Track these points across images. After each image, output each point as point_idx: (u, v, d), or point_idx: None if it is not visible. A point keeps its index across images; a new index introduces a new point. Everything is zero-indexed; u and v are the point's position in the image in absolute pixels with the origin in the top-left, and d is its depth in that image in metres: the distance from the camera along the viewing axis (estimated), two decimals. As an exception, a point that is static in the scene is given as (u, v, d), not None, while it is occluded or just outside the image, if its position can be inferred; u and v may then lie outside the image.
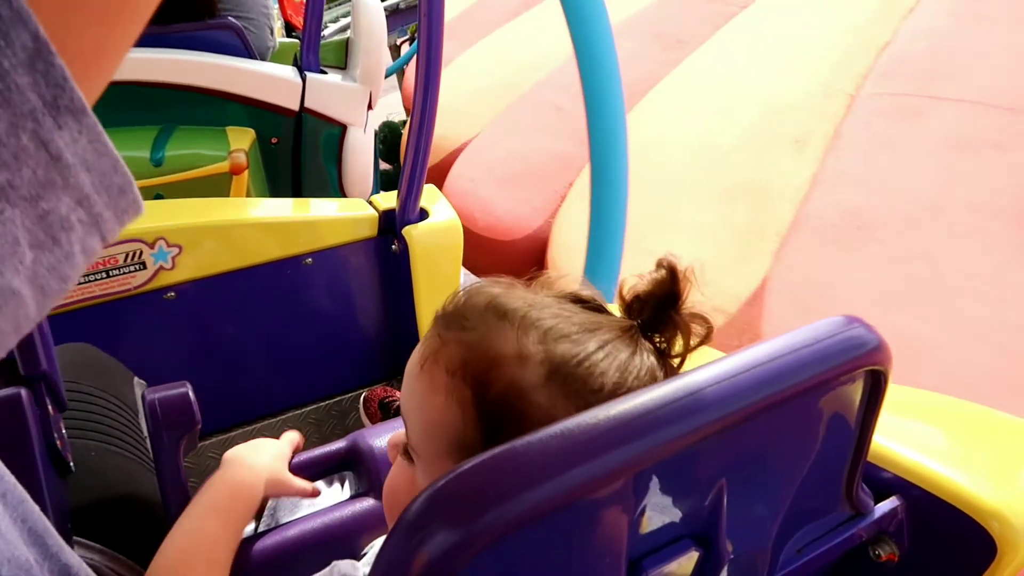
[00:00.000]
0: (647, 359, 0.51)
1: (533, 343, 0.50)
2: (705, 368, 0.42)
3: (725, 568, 0.50)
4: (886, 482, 0.68)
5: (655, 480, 0.42)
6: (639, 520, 0.43)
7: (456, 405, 0.50)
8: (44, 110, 0.21)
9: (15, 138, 0.20)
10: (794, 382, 0.43)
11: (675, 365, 0.54)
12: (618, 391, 0.48)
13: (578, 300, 0.55)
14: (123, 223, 0.24)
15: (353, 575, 0.60)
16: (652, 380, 0.51)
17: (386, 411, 1.66)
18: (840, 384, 0.48)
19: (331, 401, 1.75)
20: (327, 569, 0.61)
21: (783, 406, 0.44)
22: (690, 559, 0.47)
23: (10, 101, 0.20)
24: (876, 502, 0.65)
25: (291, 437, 0.81)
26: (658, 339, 0.53)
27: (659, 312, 0.52)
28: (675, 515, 0.46)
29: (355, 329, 1.71)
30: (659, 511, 0.44)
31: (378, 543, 0.62)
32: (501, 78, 3.31)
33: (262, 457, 0.74)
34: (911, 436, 0.71)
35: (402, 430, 0.57)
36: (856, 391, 0.50)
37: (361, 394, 1.80)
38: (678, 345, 0.54)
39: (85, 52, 0.23)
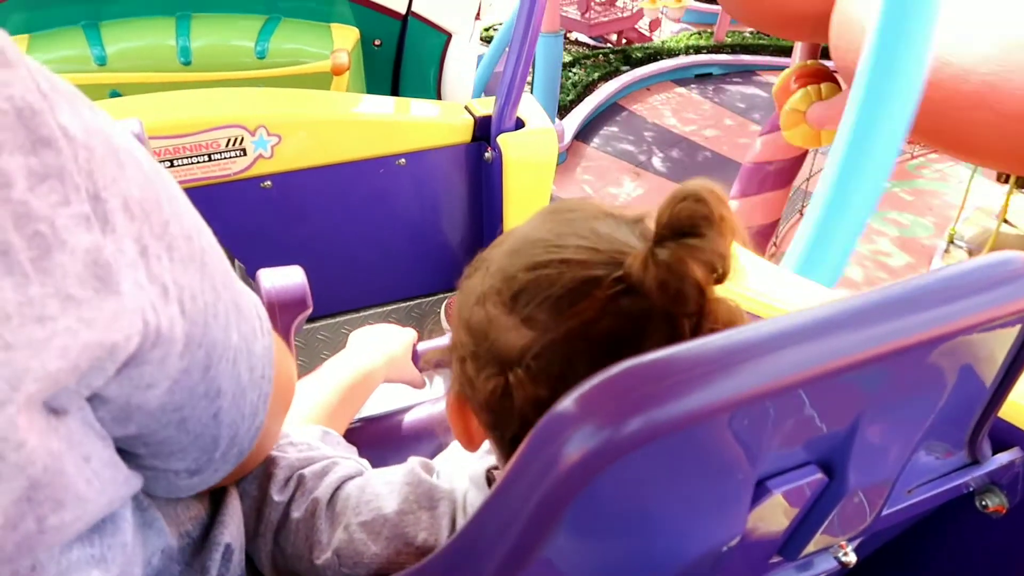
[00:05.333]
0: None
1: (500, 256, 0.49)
2: (870, 294, 0.40)
3: (842, 499, 0.49)
4: (1004, 432, 0.65)
5: (797, 403, 0.41)
6: (773, 440, 0.43)
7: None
8: None
9: None
10: (957, 318, 0.41)
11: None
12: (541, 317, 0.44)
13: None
14: None
15: (420, 474, 0.56)
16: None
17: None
18: (998, 326, 0.45)
19: (412, 303, 1.79)
20: (407, 464, 0.59)
21: (938, 342, 0.42)
22: (811, 485, 0.47)
23: None
24: (993, 452, 0.63)
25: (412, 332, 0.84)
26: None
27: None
28: (807, 440, 0.45)
29: (441, 234, 1.73)
30: (793, 434, 0.44)
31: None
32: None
33: (388, 343, 0.77)
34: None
35: None
36: (1010, 335, 0.47)
37: (440, 298, 1.82)
38: None
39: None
